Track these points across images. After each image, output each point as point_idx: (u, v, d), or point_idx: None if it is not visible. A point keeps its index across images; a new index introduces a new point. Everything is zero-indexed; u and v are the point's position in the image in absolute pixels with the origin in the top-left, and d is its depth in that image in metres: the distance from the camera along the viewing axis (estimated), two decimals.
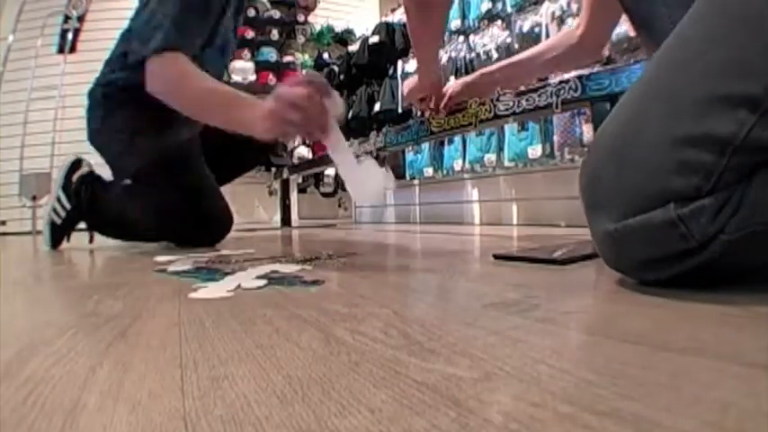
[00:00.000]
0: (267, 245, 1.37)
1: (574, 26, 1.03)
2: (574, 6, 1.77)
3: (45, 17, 3.54)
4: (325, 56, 3.99)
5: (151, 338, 0.36)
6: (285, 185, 2.89)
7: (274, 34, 3.82)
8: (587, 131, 1.75)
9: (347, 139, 1.80)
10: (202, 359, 0.30)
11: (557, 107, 1.03)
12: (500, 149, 2.13)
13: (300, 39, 4.01)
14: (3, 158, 3.40)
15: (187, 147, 1.37)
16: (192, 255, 1.03)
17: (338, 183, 3.70)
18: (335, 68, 3.27)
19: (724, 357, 0.26)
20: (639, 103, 0.46)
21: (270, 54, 3.82)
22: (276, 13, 3.83)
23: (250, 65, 3.70)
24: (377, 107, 2.73)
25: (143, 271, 0.80)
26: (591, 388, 0.23)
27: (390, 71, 2.76)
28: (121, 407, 0.23)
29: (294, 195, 3.57)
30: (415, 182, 2.91)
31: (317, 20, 4.13)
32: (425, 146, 2.56)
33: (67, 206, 1.36)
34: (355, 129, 2.87)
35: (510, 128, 2.03)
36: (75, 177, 1.37)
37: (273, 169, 3.05)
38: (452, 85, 1.26)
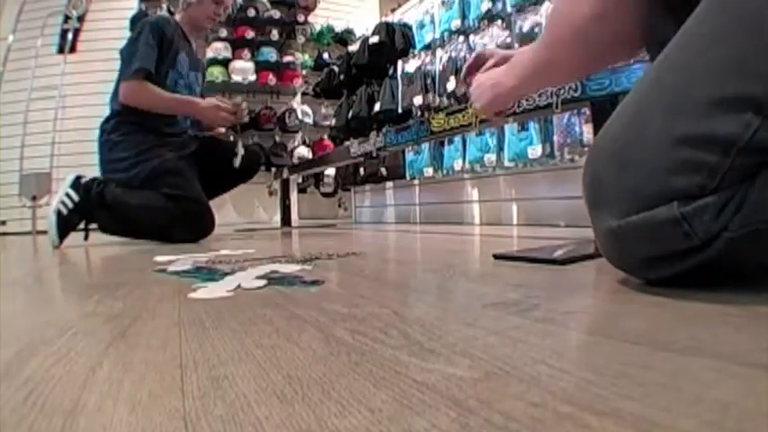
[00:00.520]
0: (267, 245, 1.38)
1: None
2: None
3: (45, 17, 3.53)
4: (325, 56, 3.99)
5: (151, 338, 0.36)
6: (285, 185, 2.88)
7: (274, 34, 3.82)
8: (587, 131, 1.75)
9: (347, 139, 1.82)
10: (202, 359, 0.30)
11: (557, 107, 1.03)
12: (500, 149, 2.13)
13: (300, 39, 4.00)
14: (3, 158, 3.40)
15: (179, 164, 1.70)
16: (193, 255, 1.03)
17: (338, 183, 3.70)
18: (335, 68, 3.27)
19: (724, 357, 0.26)
20: (643, 102, 0.46)
21: (270, 54, 3.82)
22: (276, 13, 3.83)
23: (250, 65, 3.70)
24: (377, 107, 2.72)
25: (143, 271, 0.80)
26: (591, 388, 0.23)
27: (390, 71, 2.76)
28: (121, 407, 0.23)
29: (294, 195, 3.57)
30: (415, 182, 2.90)
31: (317, 20, 4.13)
32: (425, 146, 2.55)
33: (75, 199, 1.56)
34: (355, 129, 2.87)
35: (510, 128, 2.03)
36: (83, 180, 1.61)
37: (273, 169, 3.05)
38: (490, 53, 1.18)
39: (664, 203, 0.40)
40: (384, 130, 1.63)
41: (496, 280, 0.60)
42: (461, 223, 2.52)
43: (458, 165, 2.38)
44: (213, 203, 1.74)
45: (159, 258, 0.98)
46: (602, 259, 0.52)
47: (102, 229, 1.63)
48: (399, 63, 2.68)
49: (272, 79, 3.75)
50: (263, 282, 0.61)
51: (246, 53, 3.73)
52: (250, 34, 3.74)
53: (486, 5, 2.17)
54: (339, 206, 3.95)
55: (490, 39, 2.14)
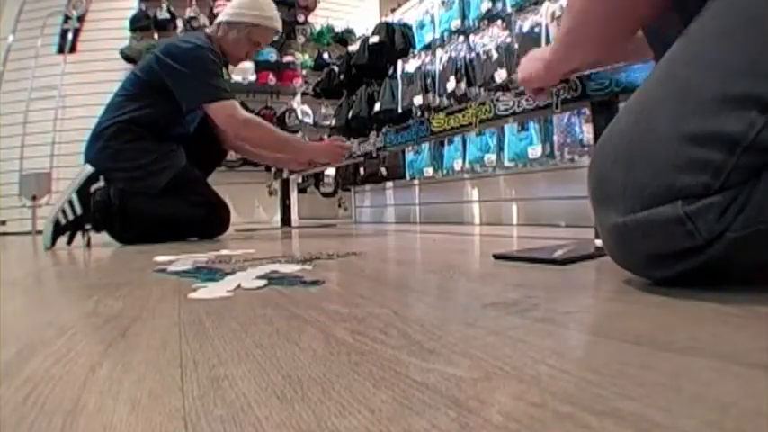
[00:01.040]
0: (267, 245, 1.37)
1: None
2: None
3: (45, 17, 3.53)
4: (325, 56, 3.99)
5: (151, 338, 0.36)
6: (285, 185, 2.88)
7: None
8: (587, 131, 1.74)
9: (348, 139, 1.82)
10: (202, 359, 0.30)
11: (557, 107, 1.03)
12: (500, 149, 2.13)
13: (300, 39, 4.00)
14: (3, 158, 3.39)
15: (193, 170, 1.75)
16: (193, 255, 1.03)
17: (338, 183, 3.70)
18: (335, 68, 3.27)
19: (724, 357, 0.26)
20: (650, 99, 0.46)
21: (270, 54, 3.81)
22: None
23: (250, 65, 3.70)
24: (377, 107, 2.72)
25: (143, 271, 0.80)
26: (591, 388, 0.23)
27: (390, 71, 2.76)
28: (121, 407, 0.23)
29: (294, 195, 3.57)
30: (415, 182, 2.90)
31: (317, 20, 4.13)
32: (425, 146, 2.55)
33: (78, 211, 1.50)
34: (355, 129, 2.87)
35: (510, 128, 2.03)
36: (93, 188, 1.53)
37: (273, 169, 3.05)
38: None
39: (669, 201, 0.40)
40: (384, 130, 1.63)
41: (496, 280, 0.60)
42: (461, 223, 2.52)
43: (458, 165, 2.37)
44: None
45: (159, 258, 0.98)
46: (602, 259, 0.52)
47: (118, 240, 1.60)
48: (399, 63, 2.68)
49: (272, 79, 3.75)
50: (263, 282, 0.61)
51: None
52: None
53: (486, 5, 2.17)
54: (339, 206, 3.95)
55: (490, 39, 2.14)
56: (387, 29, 2.77)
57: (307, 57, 4.02)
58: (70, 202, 1.49)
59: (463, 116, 1.26)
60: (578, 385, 0.23)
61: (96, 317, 0.45)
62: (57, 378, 0.28)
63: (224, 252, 1.09)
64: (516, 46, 1.99)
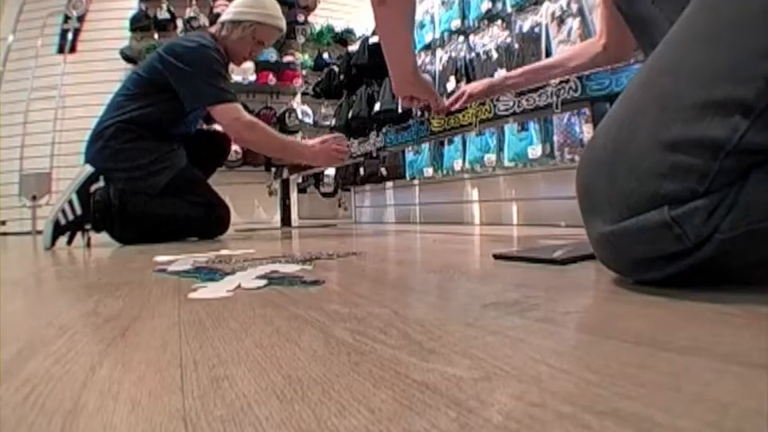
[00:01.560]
0: (267, 245, 1.38)
1: (574, 28, 1.03)
2: (574, 6, 1.77)
3: (45, 17, 3.53)
4: (325, 56, 3.99)
5: (151, 338, 0.36)
6: (285, 185, 2.88)
7: None
8: (587, 131, 1.75)
9: (348, 139, 1.82)
10: (202, 359, 0.30)
11: (557, 107, 1.03)
12: (500, 149, 2.13)
13: (300, 39, 4.00)
14: (3, 158, 3.39)
15: (193, 169, 1.74)
16: (193, 255, 1.03)
17: (338, 183, 3.70)
18: (335, 68, 3.27)
19: (724, 357, 0.26)
20: (632, 106, 0.46)
21: (270, 54, 3.81)
22: None
23: (250, 65, 3.69)
24: (377, 107, 2.72)
25: (143, 271, 0.80)
26: (591, 388, 0.23)
27: None
28: (121, 407, 0.23)
29: (294, 195, 3.57)
30: (415, 182, 2.90)
31: (317, 20, 4.13)
32: (425, 146, 2.55)
33: (78, 211, 1.50)
34: (355, 129, 2.87)
35: (510, 128, 2.03)
36: (92, 189, 1.53)
37: (273, 169, 3.05)
38: (474, 84, 1.27)
39: (655, 207, 0.40)
40: (384, 130, 1.63)
41: (496, 280, 0.60)
42: (461, 223, 2.52)
43: (458, 165, 2.37)
44: None
45: (159, 258, 0.98)
46: None
47: (118, 240, 1.59)
48: None
49: (272, 79, 3.74)
50: (263, 282, 0.61)
51: None
52: None
53: (486, 5, 2.17)
54: (339, 206, 3.95)
55: (490, 39, 2.14)
56: None
57: (307, 57, 4.01)
58: (70, 203, 1.49)
59: (463, 116, 1.26)
60: (578, 385, 0.23)
61: (96, 317, 0.45)
62: (57, 378, 0.28)
63: (224, 252, 1.09)
64: (516, 46, 1.99)
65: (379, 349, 0.31)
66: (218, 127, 1.97)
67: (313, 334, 0.35)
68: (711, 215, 0.38)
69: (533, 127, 1.94)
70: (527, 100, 1.09)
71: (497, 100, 1.17)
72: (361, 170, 3.09)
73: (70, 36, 3.54)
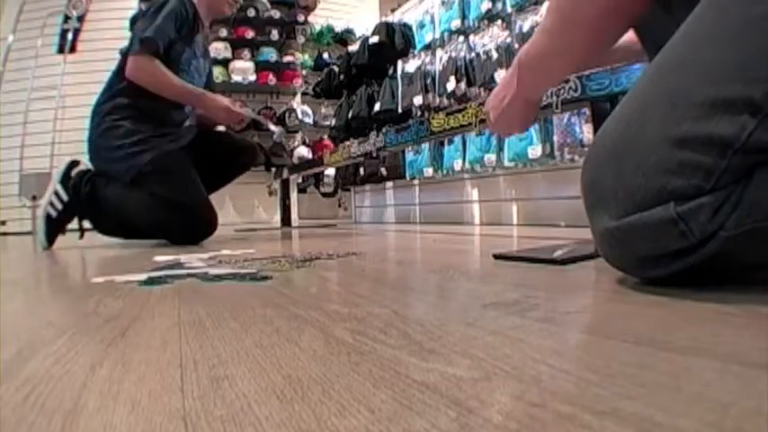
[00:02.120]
0: (267, 245, 1.37)
1: None
2: None
3: (45, 17, 3.53)
4: (325, 56, 3.99)
5: (151, 338, 0.36)
6: (285, 185, 2.88)
7: (274, 34, 3.82)
8: (587, 131, 1.75)
9: (347, 138, 1.83)
10: (202, 359, 0.30)
11: (557, 107, 1.03)
12: (500, 149, 2.13)
13: (300, 39, 4.00)
14: (3, 158, 3.40)
15: (179, 159, 1.56)
16: (193, 255, 1.03)
17: (338, 183, 3.70)
18: (335, 68, 3.27)
19: (724, 357, 0.26)
20: (641, 103, 0.46)
21: (270, 54, 3.82)
22: (276, 13, 3.83)
23: (250, 65, 3.70)
24: (377, 107, 2.72)
25: (142, 271, 0.80)
26: (591, 388, 0.23)
27: (390, 71, 2.76)
28: (121, 407, 0.23)
29: (294, 195, 3.57)
30: (415, 182, 2.90)
31: (317, 20, 4.13)
32: (425, 146, 2.55)
33: (65, 198, 1.45)
34: (355, 129, 2.86)
35: None
36: (73, 173, 1.49)
37: (273, 169, 3.05)
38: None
39: (661, 204, 0.40)
40: (384, 130, 1.63)
41: (496, 280, 0.60)
42: (461, 223, 2.52)
43: (458, 165, 2.37)
44: (214, 204, 1.62)
45: (159, 258, 0.98)
46: (601, 259, 0.52)
47: (100, 231, 1.56)
48: (399, 63, 2.68)
49: (272, 79, 3.75)
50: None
51: (246, 53, 3.73)
52: (250, 34, 3.74)
53: (486, 5, 2.17)
54: (339, 206, 3.95)
55: (490, 39, 2.14)
56: (387, 29, 2.77)
57: (307, 57, 4.02)
58: (56, 193, 1.46)
59: (463, 116, 1.26)
60: (578, 385, 0.23)
61: (96, 317, 0.45)
62: (57, 378, 0.28)
63: (224, 252, 1.09)
64: (516, 46, 1.99)
65: (379, 349, 0.31)
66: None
67: (313, 334, 0.35)
68: (717, 212, 0.38)
69: (533, 127, 1.94)
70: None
71: None
72: (361, 170, 3.09)
73: (70, 36, 3.54)
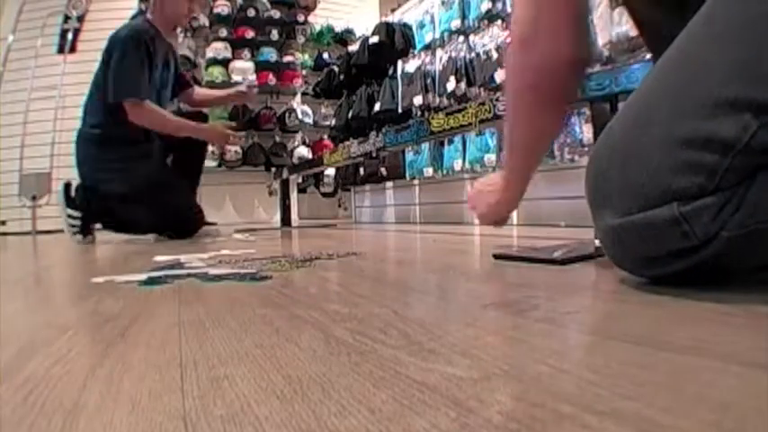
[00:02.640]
0: (267, 245, 1.37)
1: None
2: None
3: (45, 17, 3.53)
4: (325, 56, 3.99)
5: (151, 338, 0.36)
6: (285, 185, 2.88)
7: (274, 34, 3.82)
8: (587, 131, 1.74)
9: (347, 138, 1.83)
10: (202, 359, 0.30)
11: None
12: (500, 149, 2.13)
13: (300, 39, 4.00)
14: (3, 158, 3.40)
15: (166, 175, 1.87)
16: (193, 255, 1.03)
17: (338, 183, 3.70)
18: (335, 68, 3.27)
19: (724, 357, 0.26)
20: (646, 102, 0.46)
21: (270, 54, 3.81)
22: (276, 13, 3.83)
23: (250, 65, 3.70)
24: (377, 107, 2.72)
25: (143, 271, 0.80)
26: (591, 388, 0.23)
27: (390, 71, 2.76)
28: (121, 407, 0.23)
29: (294, 195, 3.57)
30: (415, 182, 2.90)
31: (317, 20, 4.13)
32: (425, 146, 2.55)
33: (78, 215, 1.71)
34: (355, 129, 2.86)
35: None
36: (73, 192, 1.74)
37: (273, 169, 3.05)
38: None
39: (664, 203, 0.41)
40: (384, 130, 1.63)
41: (496, 280, 0.60)
42: (461, 223, 2.52)
43: (458, 165, 2.37)
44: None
45: (159, 258, 0.98)
46: (602, 259, 0.52)
47: (111, 230, 1.81)
48: (399, 63, 2.67)
49: (272, 79, 3.74)
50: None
51: (246, 53, 3.73)
52: (250, 34, 3.74)
53: (486, 5, 2.17)
54: (339, 206, 3.95)
55: (490, 39, 2.14)
56: (387, 29, 2.77)
57: (307, 57, 4.01)
58: (69, 216, 1.70)
59: (463, 116, 1.26)
60: (578, 385, 0.23)
61: (96, 317, 0.45)
62: (57, 378, 0.28)
63: (224, 252, 1.09)
64: None
65: (379, 349, 0.31)
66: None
67: (313, 334, 0.35)
68: (719, 213, 0.38)
69: None
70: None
71: (497, 100, 1.17)
72: (361, 170, 3.09)
73: (70, 36, 3.54)
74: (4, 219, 3.31)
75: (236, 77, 3.63)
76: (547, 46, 0.58)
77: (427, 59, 2.51)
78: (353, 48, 3.05)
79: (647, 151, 0.42)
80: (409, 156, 2.73)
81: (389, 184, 3.15)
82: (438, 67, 2.41)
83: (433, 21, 2.57)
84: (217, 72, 3.58)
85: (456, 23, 2.37)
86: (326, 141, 3.74)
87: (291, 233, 2.11)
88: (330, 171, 3.63)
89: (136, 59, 1.71)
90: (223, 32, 3.65)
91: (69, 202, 1.71)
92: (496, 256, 0.77)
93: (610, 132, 0.49)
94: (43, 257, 1.25)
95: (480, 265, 0.79)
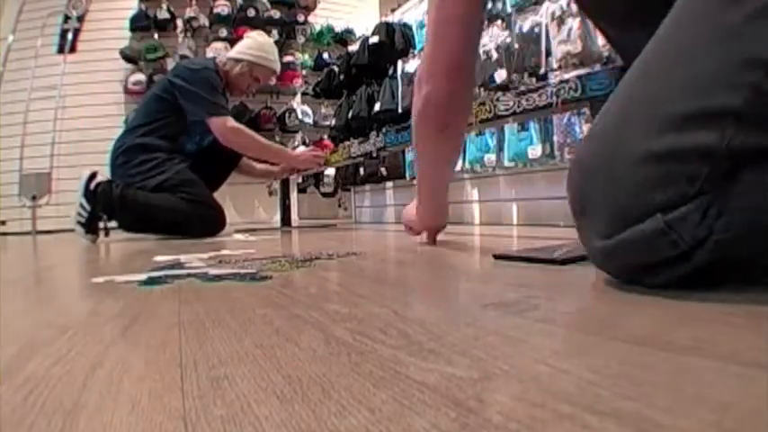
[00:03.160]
0: (267, 245, 1.37)
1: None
2: (574, 6, 1.77)
3: (45, 17, 3.53)
4: (325, 56, 3.99)
5: (151, 338, 0.36)
6: (285, 185, 2.88)
7: (274, 34, 3.82)
8: (587, 131, 1.75)
9: (347, 138, 1.84)
10: (202, 359, 0.30)
11: (557, 107, 1.03)
12: (500, 149, 2.13)
13: (300, 39, 4.00)
14: (3, 158, 3.39)
15: (192, 175, 1.99)
16: (193, 255, 1.03)
17: (338, 183, 3.70)
18: (335, 68, 3.27)
19: (724, 357, 0.26)
20: (619, 117, 0.46)
21: None
22: (276, 13, 3.83)
23: None
24: (377, 107, 2.72)
25: (143, 271, 0.80)
26: (591, 388, 0.23)
27: (390, 71, 2.75)
28: (121, 407, 0.23)
29: (294, 195, 3.57)
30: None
31: (317, 20, 4.13)
32: None
33: (87, 208, 1.76)
34: (355, 129, 2.86)
35: (510, 128, 2.02)
36: (93, 185, 1.79)
37: None
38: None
39: (648, 217, 0.41)
40: (384, 130, 1.63)
41: (496, 280, 0.60)
42: (461, 223, 2.52)
43: (458, 165, 2.37)
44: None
45: (159, 258, 0.98)
46: None
47: (124, 228, 1.86)
48: (399, 63, 2.67)
49: (272, 79, 3.74)
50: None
51: None
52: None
53: None
54: (339, 206, 3.94)
55: (490, 39, 2.14)
56: (387, 29, 2.77)
57: (307, 57, 4.01)
58: (81, 205, 1.75)
59: None
60: (578, 385, 0.23)
61: (96, 317, 0.45)
62: (57, 378, 0.28)
63: (224, 252, 1.09)
64: (516, 46, 1.99)
65: (379, 349, 0.31)
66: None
67: (313, 334, 0.35)
68: (704, 217, 0.38)
69: (533, 127, 1.94)
70: (527, 100, 1.09)
71: (497, 100, 1.17)
72: (361, 170, 3.09)
73: (70, 36, 3.54)
74: (4, 219, 3.31)
75: None
76: (434, 81, 0.76)
77: None
78: (353, 48, 3.05)
79: (627, 170, 0.43)
80: (409, 156, 2.73)
81: (389, 184, 3.15)
82: None
83: None
84: None
85: None
86: (326, 141, 3.74)
87: (291, 233, 2.12)
88: (330, 171, 3.63)
89: (216, 89, 1.95)
90: (223, 32, 3.65)
91: (87, 191, 1.77)
92: (496, 256, 0.77)
93: (584, 152, 0.50)
94: (43, 257, 1.25)
95: (480, 265, 0.79)
